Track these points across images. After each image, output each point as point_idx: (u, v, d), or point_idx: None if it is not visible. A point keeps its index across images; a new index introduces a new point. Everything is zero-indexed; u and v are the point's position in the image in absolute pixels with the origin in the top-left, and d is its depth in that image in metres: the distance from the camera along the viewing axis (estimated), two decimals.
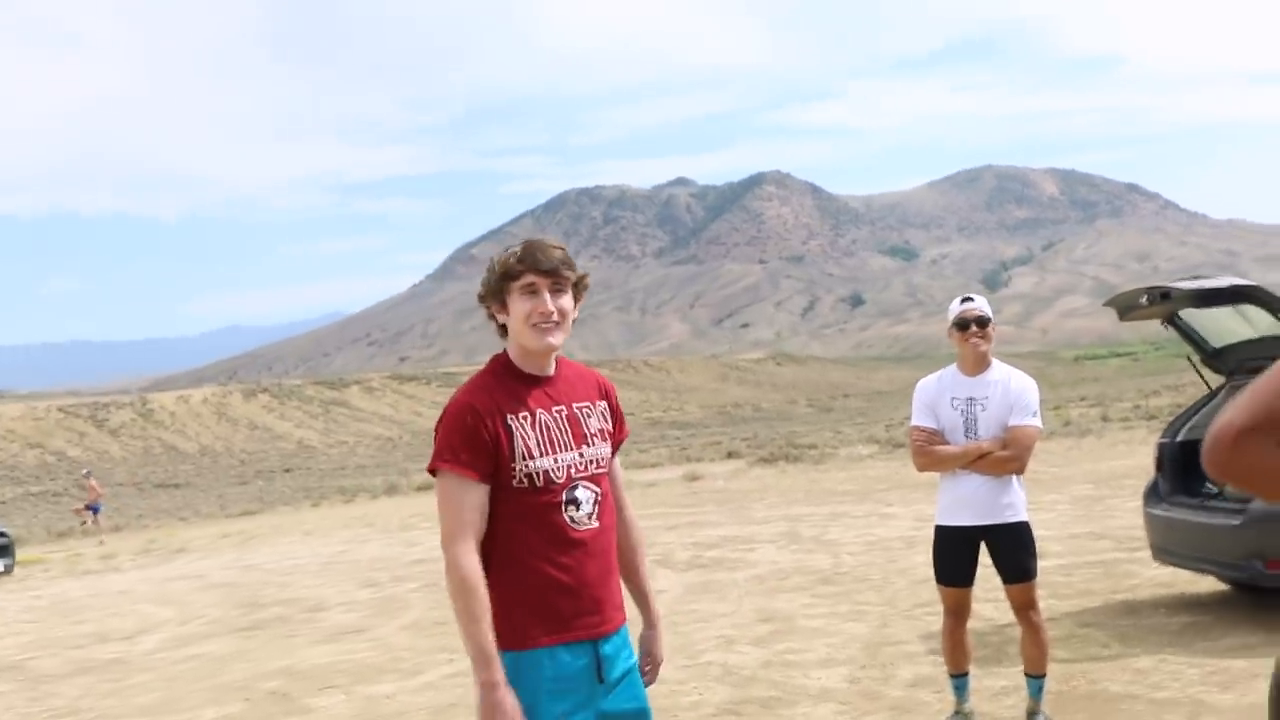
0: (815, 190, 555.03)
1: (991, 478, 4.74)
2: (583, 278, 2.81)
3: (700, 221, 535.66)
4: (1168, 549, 6.95)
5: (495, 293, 2.76)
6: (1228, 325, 6.49)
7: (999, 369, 4.83)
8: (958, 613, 5.01)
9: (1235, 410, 1.26)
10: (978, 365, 4.79)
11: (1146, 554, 7.32)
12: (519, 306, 2.72)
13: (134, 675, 8.35)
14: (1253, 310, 6.02)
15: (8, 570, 15.24)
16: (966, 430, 4.77)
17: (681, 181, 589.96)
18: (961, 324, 4.76)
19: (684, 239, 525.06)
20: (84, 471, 27.71)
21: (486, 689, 2.59)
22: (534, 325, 2.71)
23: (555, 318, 2.72)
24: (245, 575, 14.51)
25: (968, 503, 4.77)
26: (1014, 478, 4.79)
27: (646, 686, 2.91)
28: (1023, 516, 4.82)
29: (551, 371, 2.82)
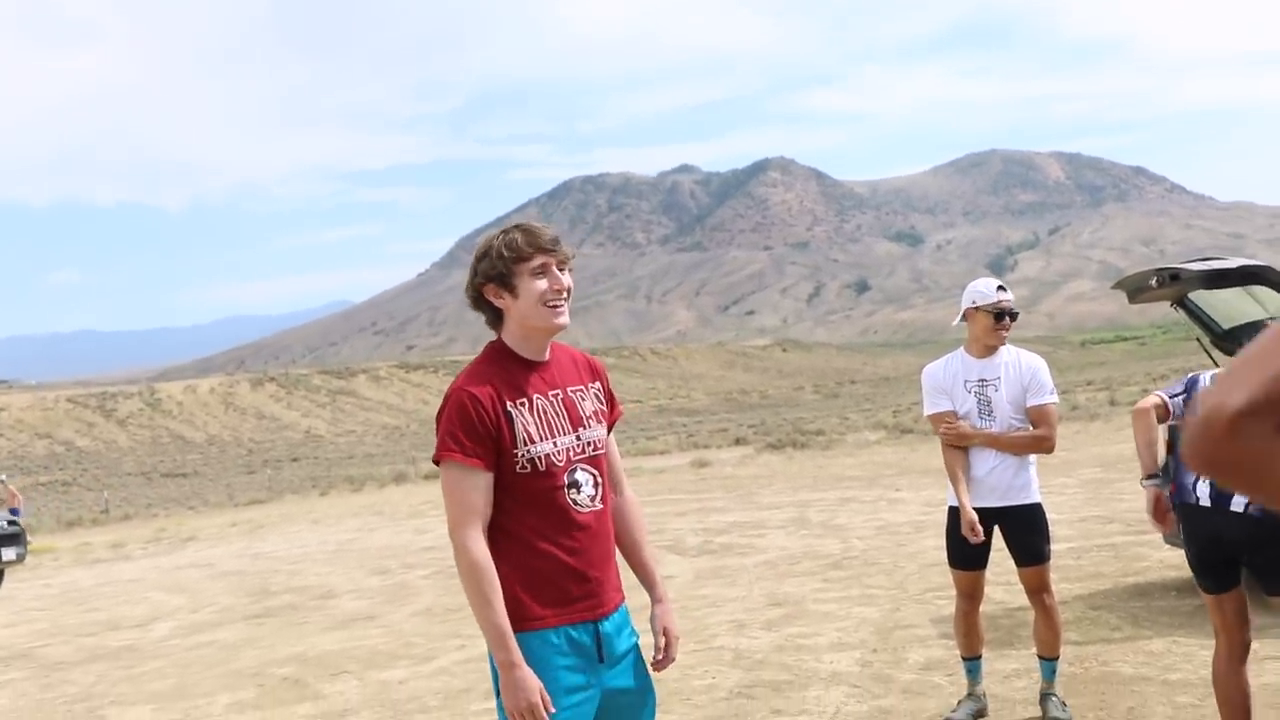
0: (820, 176, 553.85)
1: (1006, 460, 4.75)
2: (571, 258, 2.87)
3: (705, 208, 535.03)
4: (1179, 531, 6.94)
5: (501, 276, 2.74)
6: (1238, 306, 6.46)
7: (1006, 350, 4.84)
8: (971, 596, 5.01)
9: (1228, 390, 1.02)
10: (990, 349, 4.80)
11: (1156, 537, 7.33)
12: (532, 287, 2.72)
13: (146, 662, 8.39)
14: (1262, 291, 6.00)
15: (19, 559, 15.31)
16: (981, 413, 4.77)
17: (686, 168, 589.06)
18: (998, 314, 4.74)
19: (689, 226, 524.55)
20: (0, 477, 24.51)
21: (506, 669, 2.62)
22: (548, 304, 2.72)
23: (565, 295, 2.75)
24: (255, 563, 14.56)
25: (982, 485, 4.77)
26: (1029, 460, 4.80)
27: (667, 662, 2.92)
28: (1036, 498, 4.83)
29: (547, 356, 2.84)
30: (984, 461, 4.77)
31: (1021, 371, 4.78)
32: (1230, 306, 6.61)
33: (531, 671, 2.63)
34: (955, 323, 4.96)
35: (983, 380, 4.78)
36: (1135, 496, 10.75)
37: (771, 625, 7.31)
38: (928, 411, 4.96)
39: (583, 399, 2.84)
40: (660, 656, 2.91)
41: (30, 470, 71.78)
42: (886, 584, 8.36)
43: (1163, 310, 6.98)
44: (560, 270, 2.75)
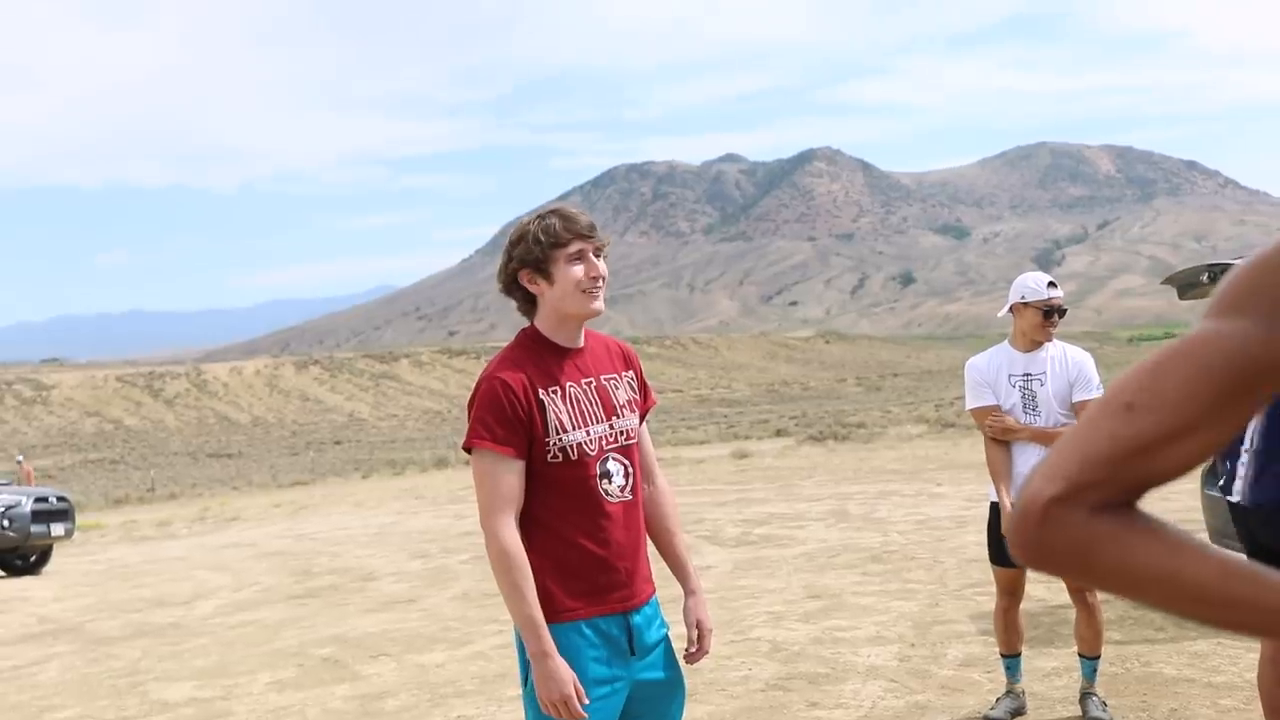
0: (866, 167, 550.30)
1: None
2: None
3: (750, 198, 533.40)
4: (1226, 532, 6.84)
5: (537, 262, 2.71)
6: None
7: (1053, 344, 4.78)
8: (1011, 593, 4.96)
9: (1044, 479, 0.96)
10: (1036, 344, 4.74)
11: (1203, 536, 7.22)
12: (569, 273, 2.70)
13: (190, 639, 8.51)
14: None
15: (68, 534, 15.59)
16: (1025, 407, 4.72)
17: (731, 158, 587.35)
18: (1047, 311, 4.68)
19: (733, 215, 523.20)
20: (18, 458, 23.82)
21: (538, 659, 2.61)
22: (584, 291, 2.71)
23: (601, 282, 2.74)
24: (297, 544, 14.72)
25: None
26: None
27: (701, 654, 2.90)
28: None
29: (581, 343, 2.81)
30: (1028, 457, 4.70)
31: (1068, 366, 4.72)
32: None
33: (564, 662, 2.61)
34: (1001, 314, 4.88)
35: (1028, 375, 4.73)
36: (1181, 495, 10.61)
37: (809, 618, 7.29)
38: (970, 405, 4.90)
39: (616, 387, 2.82)
40: (693, 649, 2.89)
41: (80, 448, 73.04)
42: (926, 579, 8.31)
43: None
44: (597, 257, 2.73)
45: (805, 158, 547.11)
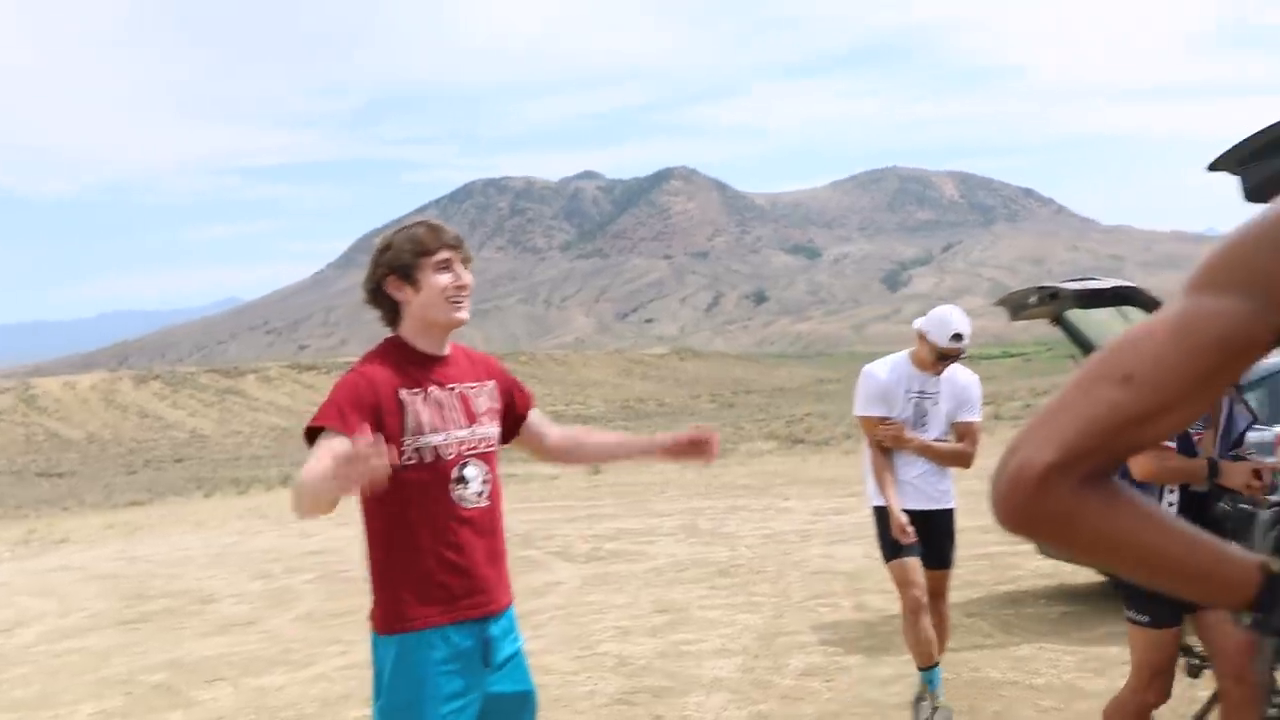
0: (721, 187, 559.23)
1: (932, 465, 4.86)
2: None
3: (607, 215, 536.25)
4: None
5: (404, 269, 2.73)
6: (1111, 326, 6.70)
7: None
8: (916, 584, 4.82)
9: (1035, 445, 0.96)
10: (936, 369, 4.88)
11: (1029, 546, 7.55)
12: (435, 281, 2.73)
13: (10, 669, 8.06)
14: (1134, 312, 6.23)
15: None
16: (915, 422, 4.86)
17: (589, 175, 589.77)
18: (942, 355, 4.77)
19: (590, 232, 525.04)
20: None
21: (337, 464, 2.29)
22: (450, 299, 2.75)
23: (466, 292, 2.78)
24: (131, 566, 14.11)
25: (911, 488, 4.87)
26: (948, 468, 4.92)
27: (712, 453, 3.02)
28: (953, 504, 4.95)
29: (445, 351, 2.85)
30: (913, 466, 4.87)
31: (958, 388, 4.90)
32: (1105, 326, 6.84)
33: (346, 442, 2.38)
34: (913, 327, 4.95)
35: (923, 393, 4.87)
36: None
37: (656, 632, 7.34)
38: (860, 412, 4.96)
39: (478, 395, 2.85)
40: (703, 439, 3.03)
41: None
42: (771, 592, 8.47)
43: (1047, 326, 7.22)
44: (464, 267, 2.78)
45: (662, 176, 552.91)
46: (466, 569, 2.72)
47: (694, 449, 3.00)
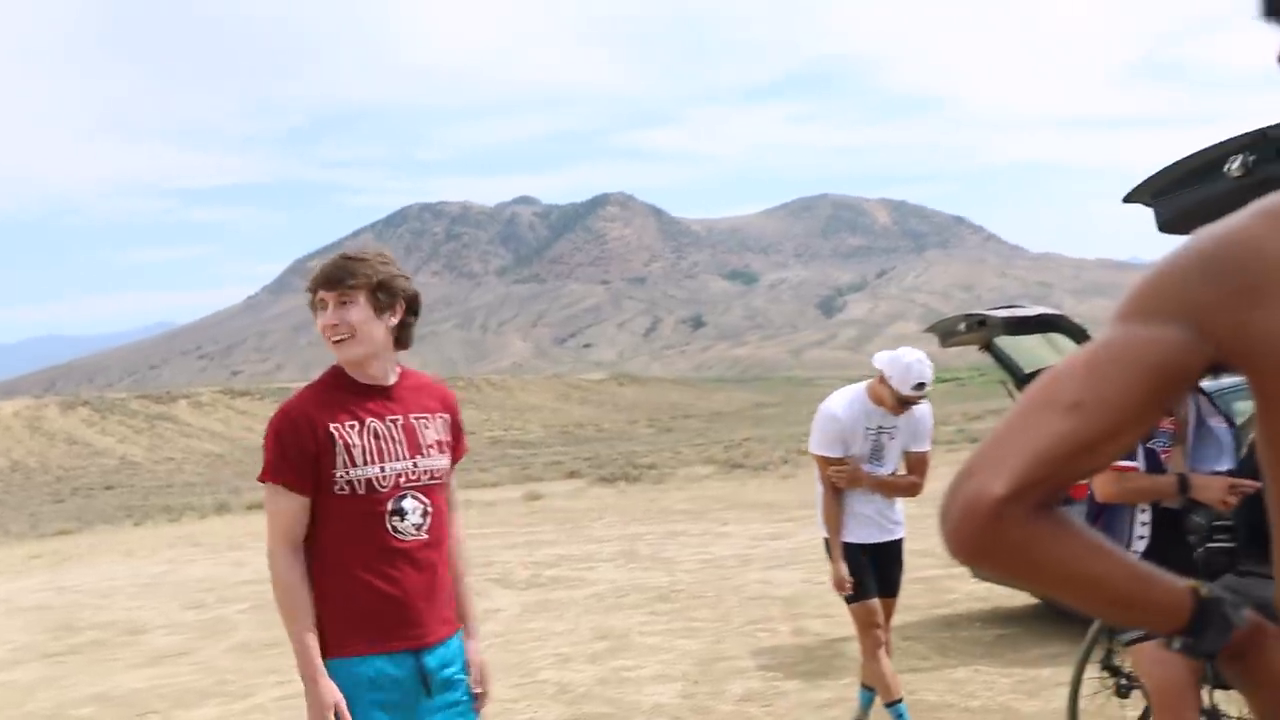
0: (658, 213, 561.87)
1: (884, 496, 4.90)
2: (384, 282, 2.76)
3: (544, 240, 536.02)
4: None
5: (312, 306, 2.81)
6: (1038, 352, 6.87)
7: None
8: (876, 625, 4.89)
9: (987, 474, 0.96)
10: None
11: (965, 570, 7.67)
12: (317, 321, 2.79)
13: None
14: (1060, 338, 6.40)
15: None
16: (873, 457, 4.87)
17: (525, 200, 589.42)
18: (903, 401, 4.75)
19: (527, 257, 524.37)
20: None
21: (307, 683, 2.65)
22: (328, 339, 2.77)
23: (343, 330, 2.73)
24: (58, 597, 13.78)
25: (867, 521, 4.88)
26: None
27: (482, 700, 2.91)
28: (903, 533, 5.01)
29: (390, 381, 2.83)
30: (865, 500, 4.88)
31: (914, 420, 4.91)
32: (1032, 353, 7.02)
33: (332, 685, 2.64)
34: (874, 365, 4.86)
35: (882, 428, 4.86)
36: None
37: (596, 658, 7.34)
38: (817, 450, 4.91)
39: (426, 427, 2.83)
40: (477, 689, 2.92)
41: None
42: (710, 617, 8.51)
43: (978, 352, 7.37)
44: (342, 305, 2.73)
45: (599, 202, 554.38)
46: (400, 600, 2.72)
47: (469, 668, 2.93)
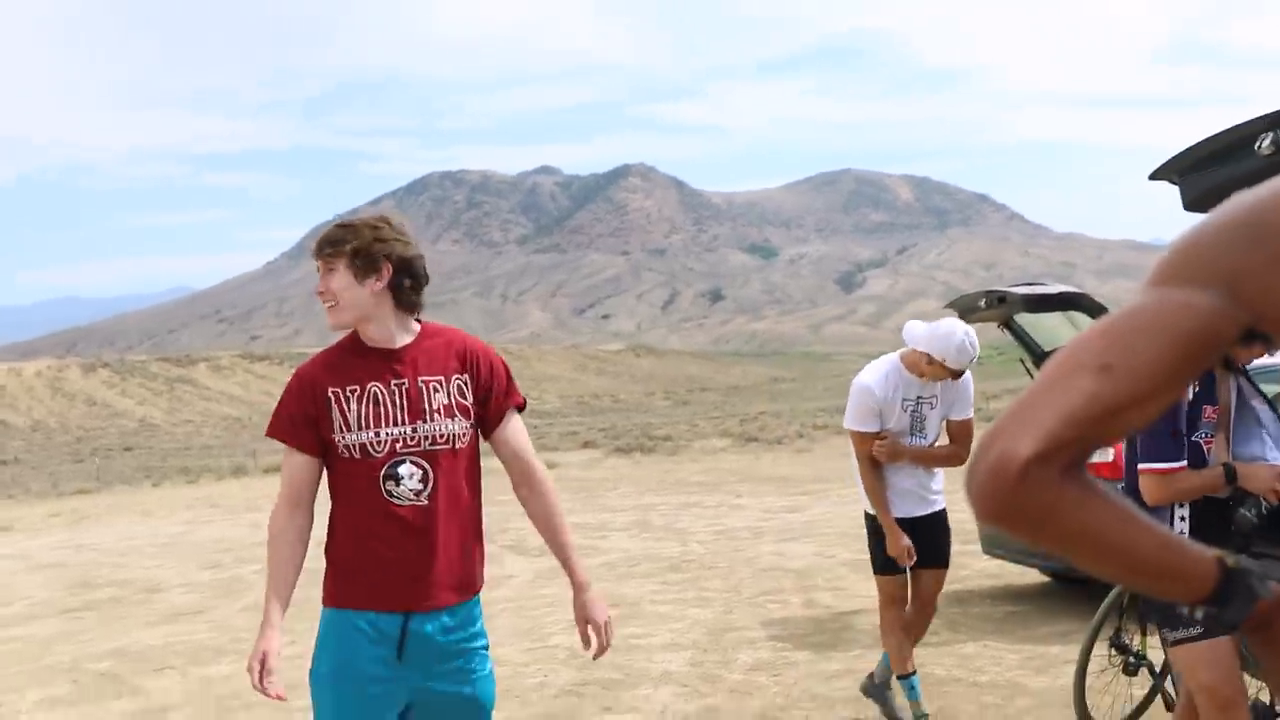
0: (679, 185, 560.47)
1: (924, 468, 4.78)
2: (361, 248, 2.73)
3: (564, 211, 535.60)
4: (997, 542, 7.31)
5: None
6: (1058, 331, 6.84)
7: None
8: (900, 600, 4.88)
9: (1014, 436, 0.95)
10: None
11: (978, 546, 7.67)
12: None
13: None
14: (1081, 317, 6.36)
15: None
16: (913, 429, 4.72)
17: (546, 170, 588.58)
18: (955, 373, 4.60)
19: (547, 227, 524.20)
20: None
21: (260, 629, 2.77)
22: (324, 305, 2.81)
23: (328, 298, 2.78)
24: (77, 555, 13.94)
25: (909, 495, 4.75)
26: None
27: (598, 652, 2.90)
28: (944, 503, 4.87)
29: (399, 344, 2.81)
30: (901, 475, 4.75)
31: (955, 387, 4.73)
32: (1052, 331, 6.99)
33: (273, 636, 2.73)
34: (906, 342, 4.71)
35: (920, 398, 4.70)
36: (964, 508, 11.23)
37: None
38: (853, 427, 4.74)
39: (435, 391, 2.78)
40: (590, 647, 2.91)
41: None
42: (721, 587, 8.54)
43: (997, 330, 7.35)
44: (327, 273, 2.77)
45: (620, 173, 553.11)
46: (393, 562, 2.73)
47: (581, 624, 2.93)
